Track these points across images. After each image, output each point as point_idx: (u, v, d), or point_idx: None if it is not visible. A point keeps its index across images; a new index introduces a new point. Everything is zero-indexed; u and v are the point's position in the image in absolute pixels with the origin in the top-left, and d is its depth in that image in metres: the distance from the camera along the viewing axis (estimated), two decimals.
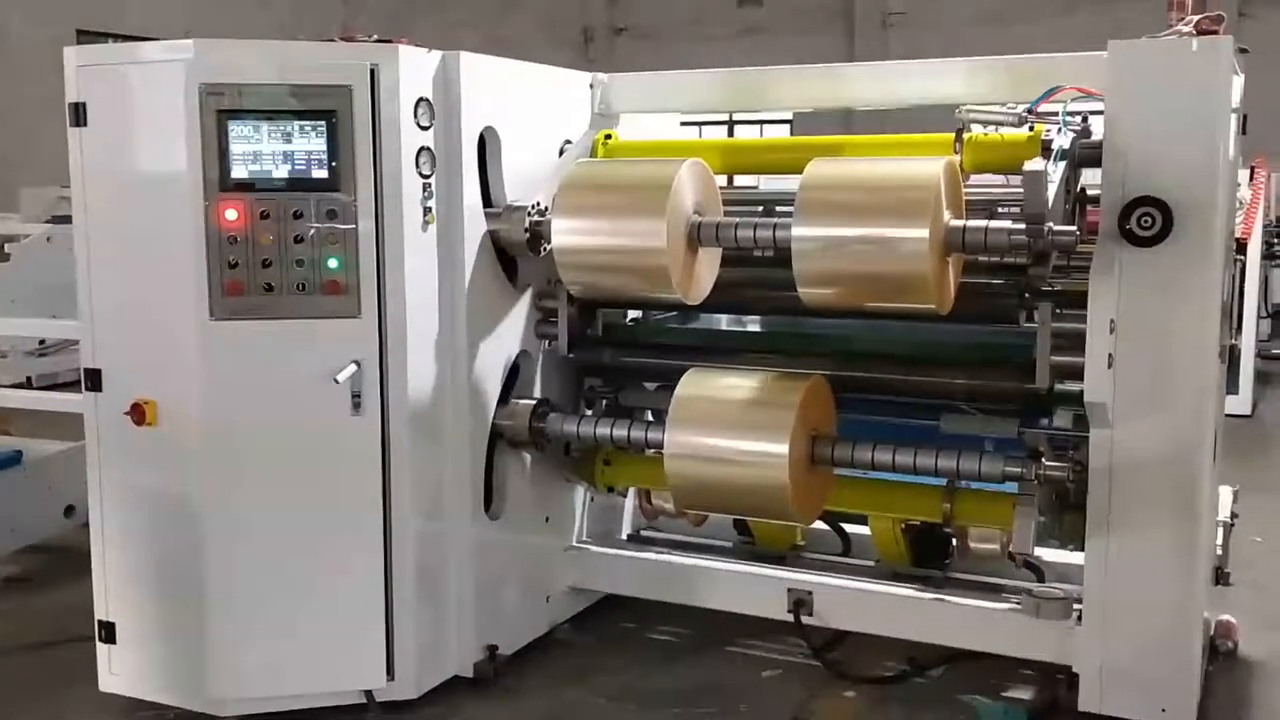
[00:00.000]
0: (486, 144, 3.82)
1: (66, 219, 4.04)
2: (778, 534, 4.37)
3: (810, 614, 3.92)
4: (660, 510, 4.45)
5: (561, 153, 4.14)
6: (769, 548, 4.40)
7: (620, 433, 3.95)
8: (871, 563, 4.20)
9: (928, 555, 4.15)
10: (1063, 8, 16.26)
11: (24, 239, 9.30)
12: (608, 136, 4.26)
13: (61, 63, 3.56)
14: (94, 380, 3.63)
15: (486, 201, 3.84)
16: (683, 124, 4.95)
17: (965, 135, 3.61)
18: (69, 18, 13.08)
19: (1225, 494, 4.30)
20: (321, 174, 3.45)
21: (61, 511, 5.18)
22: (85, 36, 12.93)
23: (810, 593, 3.92)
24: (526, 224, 3.80)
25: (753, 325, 4.73)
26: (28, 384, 8.48)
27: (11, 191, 12.02)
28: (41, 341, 8.62)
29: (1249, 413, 8.18)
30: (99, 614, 3.73)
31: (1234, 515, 4.32)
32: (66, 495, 5.13)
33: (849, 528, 4.38)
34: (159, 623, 3.64)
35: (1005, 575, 4.05)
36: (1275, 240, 10.33)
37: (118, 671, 3.74)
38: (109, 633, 3.72)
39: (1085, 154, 3.47)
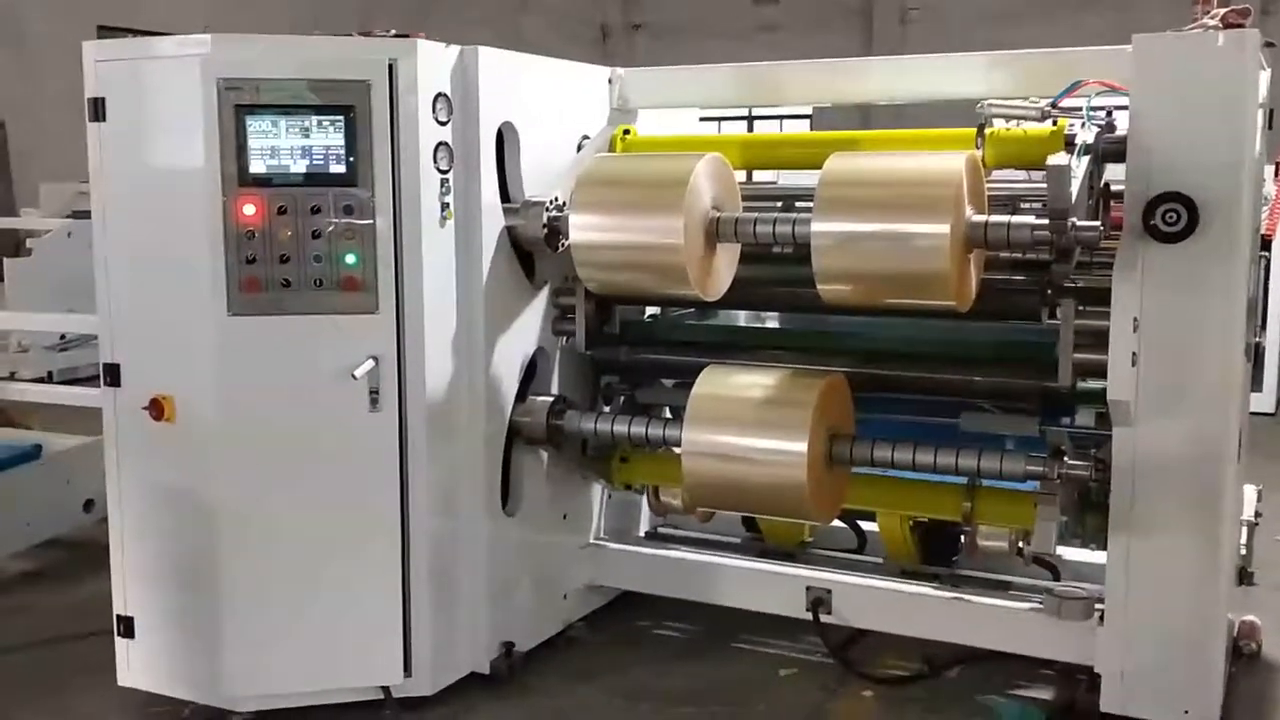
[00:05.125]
0: (504, 139, 3.80)
1: (86, 214, 4.04)
2: (786, 530, 4.35)
3: (829, 612, 3.90)
4: (669, 507, 4.44)
5: (579, 148, 4.12)
6: (778, 544, 4.39)
7: (637, 430, 3.93)
8: (879, 560, 4.18)
9: (936, 552, 4.12)
10: (1081, 4, 16.13)
11: (44, 234, 9.36)
12: (626, 131, 4.24)
13: (81, 58, 3.56)
14: (113, 375, 3.64)
15: (504, 197, 3.83)
16: (701, 119, 4.92)
17: (987, 130, 3.58)
18: (88, 12, 13.11)
19: (1249, 493, 4.26)
20: (339, 169, 3.44)
21: (80, 506, 5.21)
22: (105, 31, 12.96)
23: (829, 591, 3.90)
24: (544, 220, 3.78)
25: (771, 322, 4.71)
26: (48, 378, 8.51)
27: (31, 187, 12.06)
28: (62, 336, 8.65)
29: (1273, 411, 8.10)
30: (117, 608, 3.74)
31: (1258, 515, 4.28)
32: (85, 490, 5.15)
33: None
34: (177, 617, 3.65)
35: (1013, 572, 4.02)
36: None
37: (136, 666, 3.74)
38: (127, 627, 3.73)
39: (1109, 149, 3.43)
